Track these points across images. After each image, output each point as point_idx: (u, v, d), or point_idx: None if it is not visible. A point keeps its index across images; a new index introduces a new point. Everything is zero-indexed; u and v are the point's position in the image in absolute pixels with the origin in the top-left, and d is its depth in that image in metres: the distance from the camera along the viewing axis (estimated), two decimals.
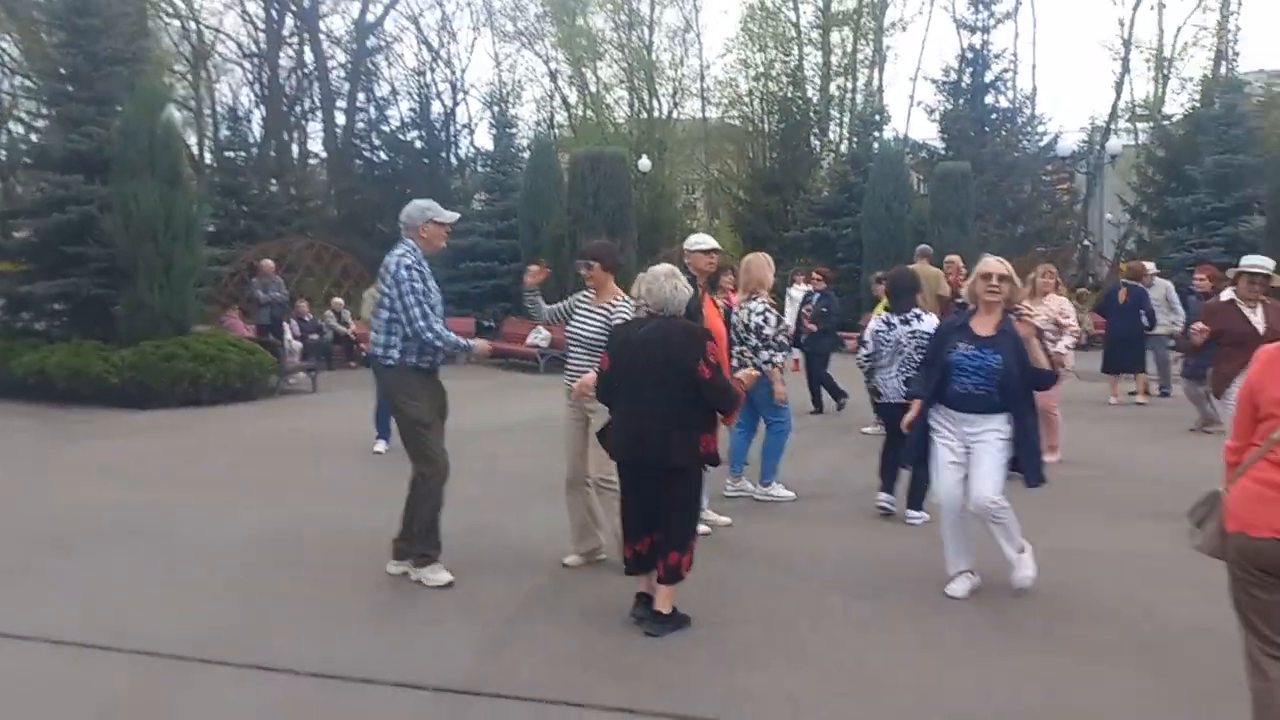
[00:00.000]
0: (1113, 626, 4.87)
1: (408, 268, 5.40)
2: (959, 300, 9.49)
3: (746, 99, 33.33)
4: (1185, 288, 13.50)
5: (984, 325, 5.19)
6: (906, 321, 6.93)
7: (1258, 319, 7.37)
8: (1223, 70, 29.37)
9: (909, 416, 5.43)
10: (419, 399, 5.51)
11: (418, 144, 29.88)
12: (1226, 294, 8.00)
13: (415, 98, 30.98)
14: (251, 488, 8.21)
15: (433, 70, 32.95)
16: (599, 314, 5.72)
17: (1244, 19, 50.69)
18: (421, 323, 5.35)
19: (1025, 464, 5.17)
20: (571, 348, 5.82)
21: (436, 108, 31.69)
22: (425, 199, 5.82)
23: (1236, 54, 30.42)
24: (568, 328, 5.87)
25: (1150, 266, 14.15)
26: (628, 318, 5.38)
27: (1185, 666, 4.36)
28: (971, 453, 5.15)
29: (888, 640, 4.74)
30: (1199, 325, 7.51)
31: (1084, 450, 9.23)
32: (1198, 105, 27.85)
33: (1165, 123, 29.54)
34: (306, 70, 32.75)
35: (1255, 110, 26.52)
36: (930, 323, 6.84)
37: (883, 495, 7.06)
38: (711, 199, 36.38)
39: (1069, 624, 4.91)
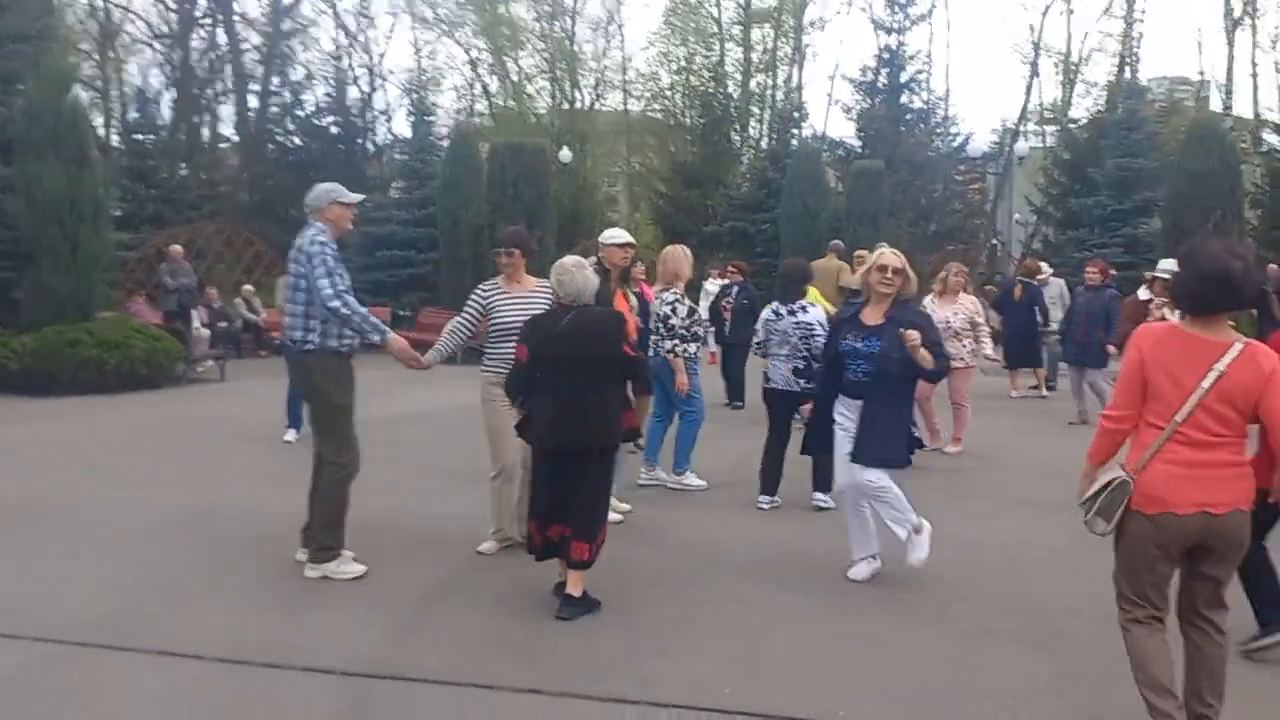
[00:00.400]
0: (1006, 610, 5.08)
1: (321, 244, 5.33)
2: (854, 290, 9.84)
3: (668, 93, 33.61)
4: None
5: (873, 315, 5.35)
6: (793, 312, 7.13)
7: (1174, 319, 7.92)
8: (1126, 76, 30.46)
9: (805, 409, 5.52)
10: (340, 383, 5.45)
11: (333, 130, 29.37)
12: (1143, 293, 8.54)
13: (331, 83, 30.46)
14: (158, 474, 8.06)
15: (350, 55, 32.52)
16: (530, 300, 5.74)
17: (1147, 26, 52.60)
18: (329, 291, 5.22)
19: (862, 442, 5.23)
20: (502, 338, 5.77)
21: (353, 93, 31.26)
22: (331, 182, 5.76)
23: (1139, 60, 31.63)
24: (495, 320, 5.85)
25: (1045, 265, 14.66)
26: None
27: (1073, 647, 4.56)
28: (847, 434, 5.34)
29: (792, 625, 4.87)
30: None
31: (986, 443, 9.55)
32: (1102, 110, 28.85)
33: (1071, 126, 30.52)
34: (219, 52, 31.99)
35: (1156, 116, 27.55)
36: (815, 314, 7.12)
37: (763, 498, 7.18)
38: (633, 192, 36.51)
39: (965, 608, 5.10)
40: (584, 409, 4.83)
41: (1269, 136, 26.07)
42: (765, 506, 7.13)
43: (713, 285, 15.73)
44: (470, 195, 20.05)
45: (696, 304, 8.12)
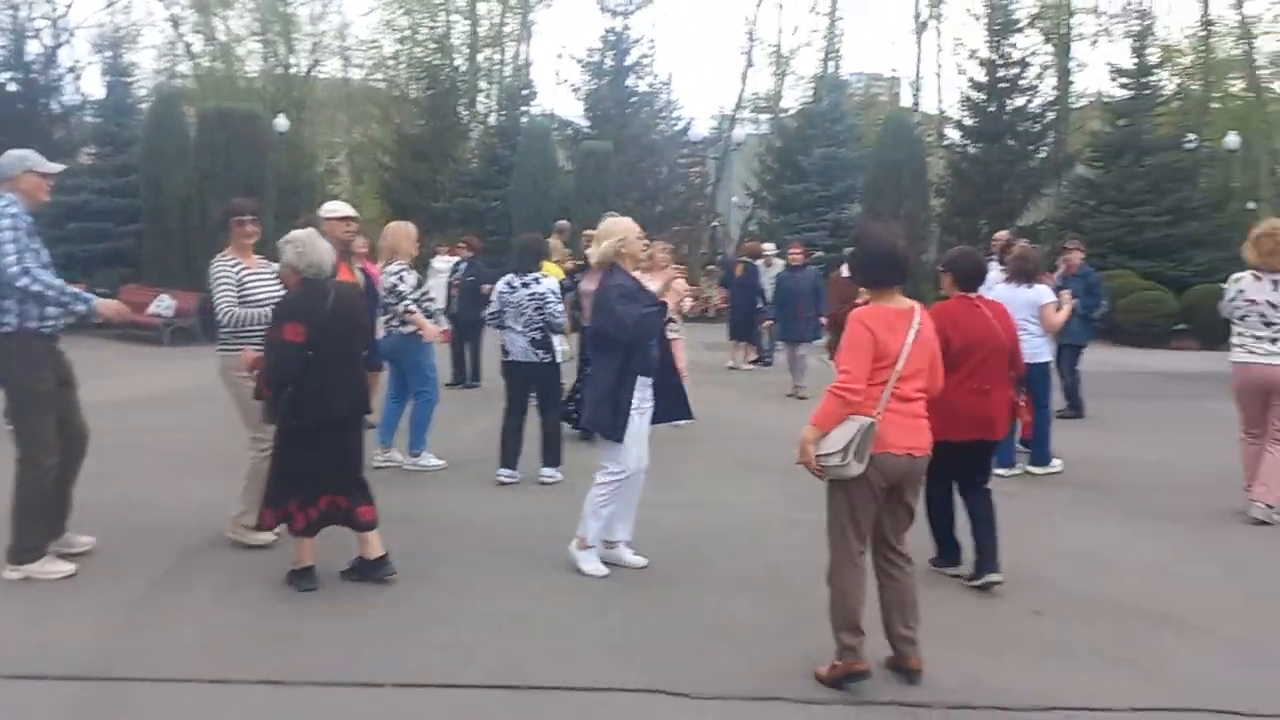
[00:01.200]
0: (744, 566, 5.40)
1: (12, 215, 4.81)
2: (579, 263, 10.08)
3: (391, 62, 32.58)
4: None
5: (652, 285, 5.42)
6: (527, 284, 7.21)
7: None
8: (830, 70, 32.64)
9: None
10: (43, 369, 4.95)
11: (11, 87, 26.35)
12: (845, 271, 9.13)
13: (9, 35, 27.29)
14: None
15: (29, 5, 29.19)
16: (269, 275, 5.57)
17: (847, 24, 56.54)
18: (15, 269, 4.72)
19: (676, 403, 5.37)
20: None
21: (34, 48, 28.12)
22: (23, 149, 5.21)
23: (841, 56, 33.98)
24: (242, 296, 5.50)
25: (769, 247, 15.58)
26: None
27: (803, 594, 4.83)
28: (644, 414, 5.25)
29: (542, 596, 4.93)
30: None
31: (713, 413, 9.98)
32: (810, 101, 30.76)
33: (782, 115, 32.39)
34: None
35: (855, 109, 29.75)
36: (549, 284, 7.24)
37: (503, 471, 7.20)
38: (355, 164, 35.19)
39: (707, 566, 5.39)
40: (353, 378, 5.02)
41: (950, 132, 28.76)
42: (505, 480, 7.16)
43: (441, 263, 15.44)
44: (176, 163, 18.69)
45: (424, 280, 8.01)
